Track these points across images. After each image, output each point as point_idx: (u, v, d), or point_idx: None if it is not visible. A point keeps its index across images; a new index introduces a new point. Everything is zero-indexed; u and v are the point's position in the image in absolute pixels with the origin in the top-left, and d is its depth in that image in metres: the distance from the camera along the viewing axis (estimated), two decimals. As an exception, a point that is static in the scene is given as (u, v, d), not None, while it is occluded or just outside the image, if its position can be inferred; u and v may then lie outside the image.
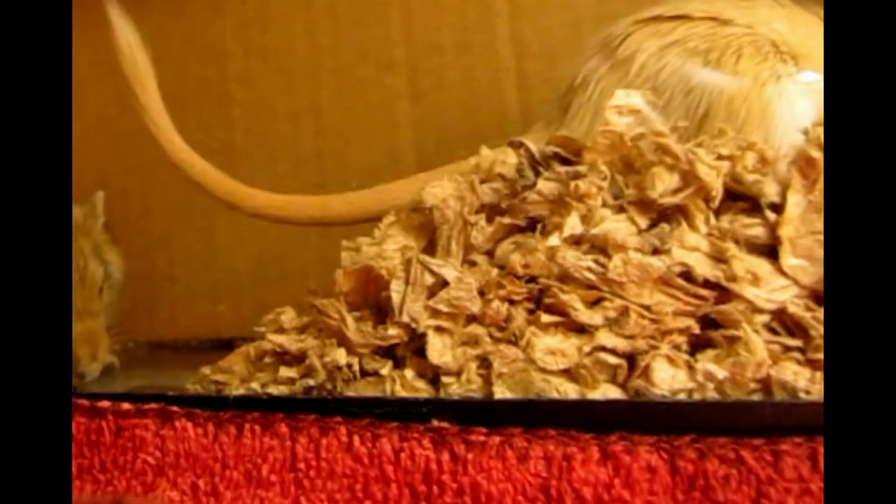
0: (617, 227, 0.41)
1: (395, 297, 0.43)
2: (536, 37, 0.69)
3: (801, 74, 0.48)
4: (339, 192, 0.57)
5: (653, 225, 0.42)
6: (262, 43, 0.79)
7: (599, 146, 0.44)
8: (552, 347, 0.40)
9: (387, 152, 0.73)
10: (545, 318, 0.40)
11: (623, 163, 0.44)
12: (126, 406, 0.44)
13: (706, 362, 0.38)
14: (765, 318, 0.39)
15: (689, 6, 0.51)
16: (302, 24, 0.77)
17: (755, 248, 0.40)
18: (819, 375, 0.37)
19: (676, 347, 0.39)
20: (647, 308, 0.39)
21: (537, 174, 0.45)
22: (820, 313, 0.38)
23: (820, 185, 0.39)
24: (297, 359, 0.46)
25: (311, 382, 0.44)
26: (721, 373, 0.37)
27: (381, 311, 0.45)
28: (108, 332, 0.63)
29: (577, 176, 0.43)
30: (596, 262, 0.40)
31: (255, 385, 0.46)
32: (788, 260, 0.39)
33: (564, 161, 0.45)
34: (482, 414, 0.38)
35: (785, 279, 0.39)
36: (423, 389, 0.42)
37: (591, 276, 0.40)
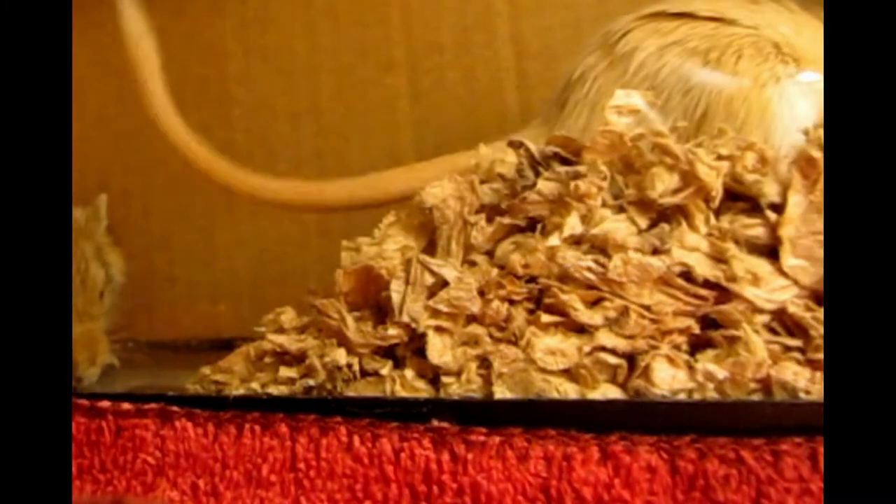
0: (617, 227, 0.41)
1: (395, 297, 0.43)
2: (536, 37, 0.69)
3: (801, 75, 0.48)
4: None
5: (653, 225, 0.42)
6: (262, 43, 0.78)
7: (599, 146, 0.43)
8: (552, 347, 0.40)
9: (387, 152, 0.73)
10: (545, 318, 0.40)
11: (623, 163, 0.44)
12: (126, 406, 0.44)
13: (706, 362, 0.38)
14: (765, 318, 0.39)
15: (694, 4, 0.50)
16: (302, 24, 0.77)
17: (755, 248, 0.40)
18: (819, 375, 0.37)
19: (676, 347, 0.39)
20: (647, 308, 0.39)
21: (537, 174, 0.45)
22: (820, 313, 0.38)
23: (820, 186, 0.39)
24: (297, 359, 0.46)
25: (311, 382, 0.44)
26: (721, 373, 0.37)
27: (381, 311, 0.45)
28: (108, 335, 0.63)
29: (577, 176, 0.43)
30: (596, 262, 0.40)
31: (255, 385, 0.46)
32: (788, 260, 0.39)
33: (564, 161, 0.45)
34: (482, 414, 0.38)
35: (785, 279, 0.39)
36: (423, 389, 0.42)
37: (591, 276, 0.40)
